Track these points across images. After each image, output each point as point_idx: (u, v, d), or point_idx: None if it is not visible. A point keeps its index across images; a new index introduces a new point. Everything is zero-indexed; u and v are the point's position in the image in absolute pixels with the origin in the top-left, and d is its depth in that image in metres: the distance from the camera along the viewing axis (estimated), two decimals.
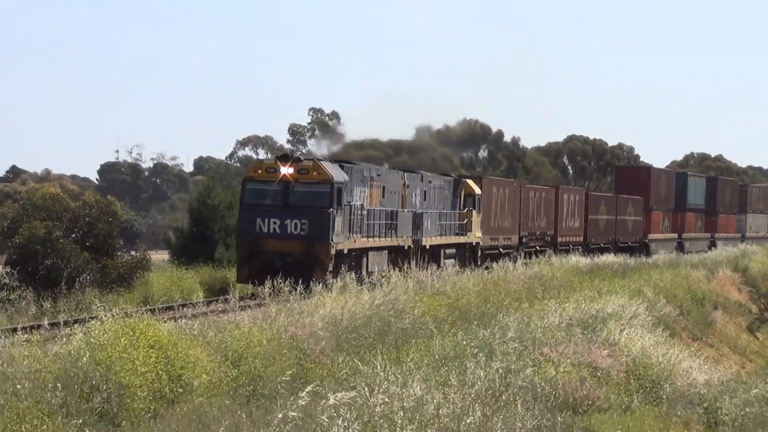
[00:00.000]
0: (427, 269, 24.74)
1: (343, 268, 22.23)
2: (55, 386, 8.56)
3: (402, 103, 64.23)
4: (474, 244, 33.05)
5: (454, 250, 31.69)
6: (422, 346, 14.00)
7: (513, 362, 11.46)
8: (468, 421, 7.88)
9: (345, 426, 7.05)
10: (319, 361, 12.34)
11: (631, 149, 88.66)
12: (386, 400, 7.90)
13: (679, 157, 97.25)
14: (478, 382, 9.74)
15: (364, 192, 25.41)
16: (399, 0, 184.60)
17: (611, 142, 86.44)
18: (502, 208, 36.39)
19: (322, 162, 23.12)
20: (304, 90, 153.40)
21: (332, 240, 21.90)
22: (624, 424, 10.69)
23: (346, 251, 23.09)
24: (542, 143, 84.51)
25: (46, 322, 15.34)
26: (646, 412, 12.89)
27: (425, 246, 28.86)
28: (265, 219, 22.14)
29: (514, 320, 16.46)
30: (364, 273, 23.88)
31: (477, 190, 33.01)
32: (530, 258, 35.15)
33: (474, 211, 32.64)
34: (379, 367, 9.48)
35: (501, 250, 35.42)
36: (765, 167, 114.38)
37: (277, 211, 22.28)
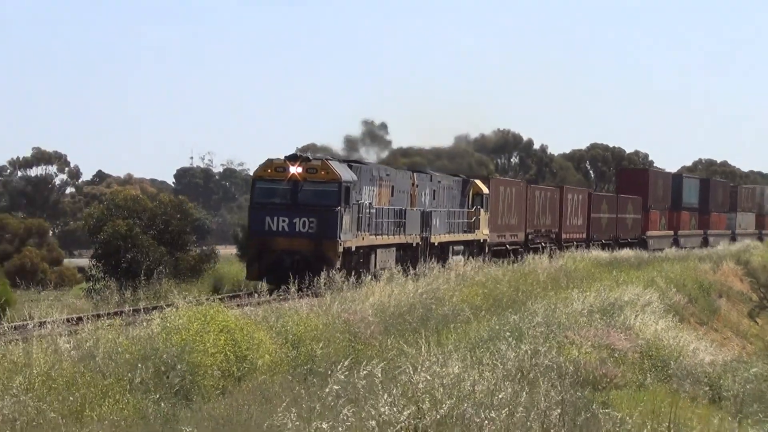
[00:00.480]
0: (435, 265, 24.86)
1: (351, 264, 22.42)
2: (135, 366, 9.68)
3: (442, 112, 69.46)
4: (481, 241, 33.56)
5: (462, 247, 32.12)
6: (460, 330, 15.00)
7: (540, 344, 12.21)
8: (500, 396, 8.45)
9: (389, 394, 7.76)
10: (369, 343, 13.26)
11: (646, 156, 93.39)
12: (428, 377, 8.56)
13: (689, 163, 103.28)
14: (509, 362, 10.49)
15: (373, 191, 25.34)
16: (439, 17, 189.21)
17: (629, 149, 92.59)
18: (509, 207, 37.21)
19: (330, 161, 22.84)
20: (356, 102, 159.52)
21: (340, 238, 21.72)
22: (639, 399, 11.31)
23: (354, 248, 22.87)
24: (567, 150, 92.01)
25: (127, 308, 16.79)
26: (658, 389, 13.39)
27: (434, 243, 29.05)
28: (274, 217, 21.90)
29: (542, 307, 17.47)
30: (372, 270, 23.73)
31: (485, 190, 33.66)
32: (535, 254, 35.22)
33: (482, 210, 33.20)
34: (423, 349, 10.36)
35: (508, 246, 36.25)
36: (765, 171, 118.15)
37: (286, 209, 22.01)
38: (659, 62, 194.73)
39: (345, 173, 22.52)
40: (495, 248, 34.66)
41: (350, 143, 36.45)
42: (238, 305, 16.12)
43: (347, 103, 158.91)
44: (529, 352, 11.29)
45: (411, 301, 16.28)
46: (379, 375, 8.41)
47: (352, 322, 13.59)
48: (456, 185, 32.83)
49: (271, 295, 19.59)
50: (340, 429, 7.19)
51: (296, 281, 18.60)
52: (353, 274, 21.09)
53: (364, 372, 8.51)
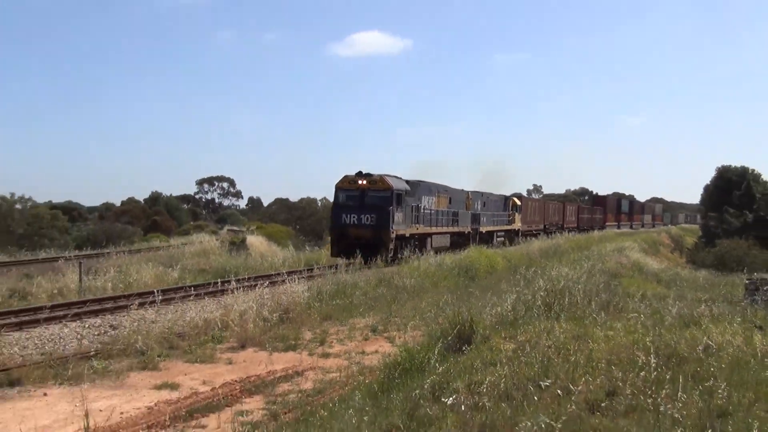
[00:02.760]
0: (487, 244, 37.97)
1: (408, 246, 28.66)
2: (454, 267, 25.33)
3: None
4: (516, 230, 48.91)
5: (503, 234, 46.11)
6: (564, 258, 30.66)
7: (594, 261, 27.15)
8: (582, 279, 20.11)
9: (542, 279, 21.78)
10: (535, 261, 29.53)
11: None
12: (555, 273, 22.35)
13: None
14: (585, 267, 24.62)
15: (432, 199, 32.89)
16: None
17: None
18: (534, 211, 56.92)
19: (386, 176, 28.24)
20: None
21: (392, 228, 27.53)
22: (631, 281, 26.17)
23: (408, 235, 29.18)
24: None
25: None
26: (638, 277, 28.74)
27: (482, 231, 40.58)
28: (348, 214, 27.74)
29: (593, 251, 34.07)
30: (428, 248, 31.45)
31: (519, 202, 50.55)
32: (549, 236, 52.89)
33: (516, 213, 49.08)
34: (554, 263, 24.93)
35: (534, 232, 54.06)
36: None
37: (356, 208, 27.74)
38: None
39: (396, 184, 28.59)
40: (525, 233, 51.29)
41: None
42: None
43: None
44: (591, 265, 25.83)
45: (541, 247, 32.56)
46: (539, 272, 22.42)
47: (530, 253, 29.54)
48: (500, 199, 47.44)
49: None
50: (525, 288, 20.42)
51: (368, 257, 26.48)
52: (417, 249, 29.19)
53: (534, 269, 22.64)
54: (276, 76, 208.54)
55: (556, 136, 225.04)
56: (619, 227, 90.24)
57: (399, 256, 27.78)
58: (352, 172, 28.68)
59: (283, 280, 19.31)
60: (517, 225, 49.45)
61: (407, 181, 30.38)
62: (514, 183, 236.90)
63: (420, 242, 31.02)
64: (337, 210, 28.61)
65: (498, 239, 44.64)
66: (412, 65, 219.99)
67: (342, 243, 27.82)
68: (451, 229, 35.62)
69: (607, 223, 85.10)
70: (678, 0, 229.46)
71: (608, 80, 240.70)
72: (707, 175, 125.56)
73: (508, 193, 52.42)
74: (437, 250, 31.69)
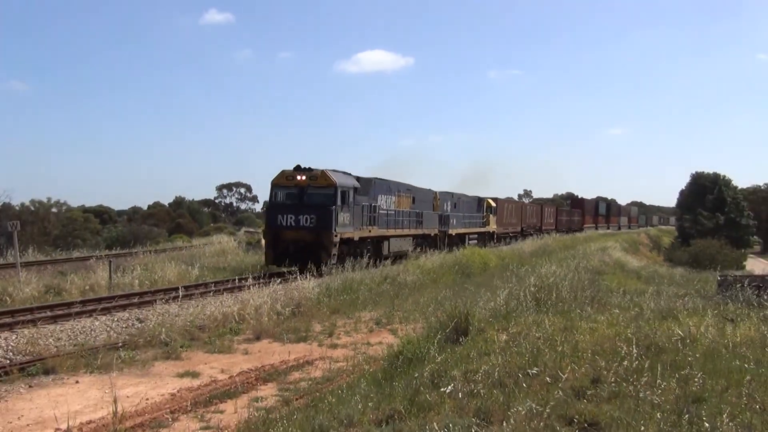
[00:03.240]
0: (456, 247, 32.64)
1: (359, 251, 24.16)
2: (453, 266, 25.14)
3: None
4: (491, 232, 44.98)
5: (476, 236, 41.29)
6: (553, 256, 30.36)
7: (579, 260, 26.90)
8: (568, 276, 20.37)
9: (533, 276, 21.77)
10: (526, 261, 29.04)
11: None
12: (544, 271, 22.38)
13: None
14: (571, 266, 24.55)
15: (391, 199, 28.13)
16: None
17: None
18: (510, 213, 51.80)
19: (328, 171, 23.36)
20: None
21: (335, 230, 22.58)
22: (613, 278, 26.09)
23: (357, 239, 24.18)
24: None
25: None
26: (620, 274, 28.57)
27: (451, 234, 35.63)
28: (285, 215, 22.70)
29: (579, 250, 33.53)
30: (385, 252, 26.98)
31: (493, 204, 45.71)
32: (526, 238, 50.14)
33: (491, 215, 44.74)
34: (544, 261, 24.84)
35: (511, 234, 50.89)
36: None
37: (294, 208, 22.77)
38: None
39: (342, 180, 23.80)
40: (501, 235, 48.02)
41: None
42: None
43: None
44: (576, 262, 25.71)
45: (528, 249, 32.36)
46: (529, 269, 22.38)
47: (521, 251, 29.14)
48: (473, 200, 42.53)
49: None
50: (516, 285, 20.26)
51: (305, 263, 21.36)
52: (367, 255, 24.54)
53: (525, 267, 22.62)
54: (289, 90, 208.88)
55: (544, 146, 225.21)
56: (596, 228, 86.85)
57: (346, 262, 22.52)
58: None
59: (295, 279, 19.15)
60: (492, 227, 45.24)
61: (358, 178, 25.58)
62: (505, 187, 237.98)
63: (375, 246, 26.55)
64: (272, 210, 23.55)
65: (470, 242, 39.19)
66: (413, 80, 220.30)
67: (278, 248, 22.84)
68: (414, 231, 30.73)
69: (585, 225, 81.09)
70: (656, 23, 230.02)
71: (592, 95, 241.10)
72: (682, 181, 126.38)
73: (500, 196, 50.60)
74: (398, 255, 27.96)
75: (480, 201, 43.86)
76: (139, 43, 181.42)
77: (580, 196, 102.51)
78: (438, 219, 34.18)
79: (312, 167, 23.39)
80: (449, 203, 36.94)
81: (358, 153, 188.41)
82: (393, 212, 28.22)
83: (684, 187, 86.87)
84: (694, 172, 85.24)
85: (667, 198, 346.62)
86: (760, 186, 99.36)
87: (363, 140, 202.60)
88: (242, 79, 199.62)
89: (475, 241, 40.32)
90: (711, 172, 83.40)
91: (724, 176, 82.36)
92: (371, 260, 24.74)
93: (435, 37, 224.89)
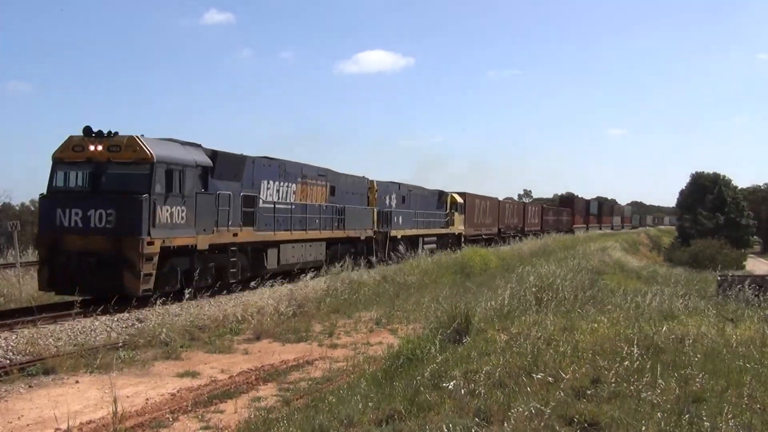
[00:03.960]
0: (403, 254, 26.72)
1: (205, 267, 16.35)
2: (452, 265, 25.14)
3: None
4: (457, 234, 36.74)
5: (435, 238, 33.07)
6: (552, 256, 30.09)
7: (579, 260, 26.82)
8: (568, 277, 20.22)
9: (533, 276, 21.76)
10: (526, 260, 28.73)
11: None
12: (543, 271, 22.39)
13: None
14: (571, 265, 24.54)
15: (287, 187, 20.56)
16: None
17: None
18: (483, 212, 43.79)
19: (141, 138, 14.95)
20: None
21: (148, 234, 14.38)
22: (613, 278, 26.07)
23: (207, 247, 16.29)
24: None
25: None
26: (620, 274, 28.54)
27: (396, 236, 28.08)
28: (66, 210, 14.45)
29: (578, 250, 33.26)
30: (271, 265, 19.25)
31: (460, 200, 37.68)
32: (505, 241, 45.21)
33: (456, 213, 36.60)
34: (543, 261, 24.80)
35: (484, 236, 43.49)
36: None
37: (82, 198, 14.69)
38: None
39: (169, 152, 15.43)
40: (472, 238, 40.17)
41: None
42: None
43: None
44: (576, 262, 25.66)
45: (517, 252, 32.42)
46: (529, 269, 22.31)
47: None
48: (432, 195, 34.45)
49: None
50: (517, 285, 19.92)
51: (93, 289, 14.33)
52: (243, 268, 17.90)
53: (526, 267, 22.55)
54: (290, 89, 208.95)
55: (544, 146, 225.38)
56: (587, 229, 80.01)
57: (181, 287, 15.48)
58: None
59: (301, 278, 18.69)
60: (458, 228, 37.01)
61: (216, 153, 16.99)
62: (504, 188, 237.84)
63: (254, 258, 18.80)
64: (48, 202, 15.07)
65: (427, 246, 31.41)
66: (413, 80, 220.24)
67: (56, 264, 14.58)
68: (329, 234, 22.86)
69: (575, 226, 74.03)
70: (657, 23, 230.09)
71: (592, 95, 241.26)
72: (683, 181, 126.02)
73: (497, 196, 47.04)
74: (295, 270, 20.37)
75: (441, 195, 35.60)
76: (140, 44, 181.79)
77: (573, 195, 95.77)
78: (375, 217, 26.83)
79: (119, 132, 14.97)
80: (393, 196, 29.34)
81: (358, 153, 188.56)
82: (289, 207, 20.56)
83: (684, 187, 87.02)
84: (694, 172, 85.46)
85: (668, 198, 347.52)
86: (760, 186, 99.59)
87: (362, 137, 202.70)
88: (243, 79, 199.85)
89: (434, 245, 32.50)
90: (711, 172, 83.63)
91: (724, 176, 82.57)
92: (238, 279, 17.66)
93: (435, 37, 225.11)
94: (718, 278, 21.47)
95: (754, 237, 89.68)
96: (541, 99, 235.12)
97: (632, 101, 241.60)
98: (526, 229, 55.17)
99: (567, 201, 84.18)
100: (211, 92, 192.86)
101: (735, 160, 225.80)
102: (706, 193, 79.49)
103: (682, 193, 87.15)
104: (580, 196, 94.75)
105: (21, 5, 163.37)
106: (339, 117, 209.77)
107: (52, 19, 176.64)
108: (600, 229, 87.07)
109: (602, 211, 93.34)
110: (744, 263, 58.65)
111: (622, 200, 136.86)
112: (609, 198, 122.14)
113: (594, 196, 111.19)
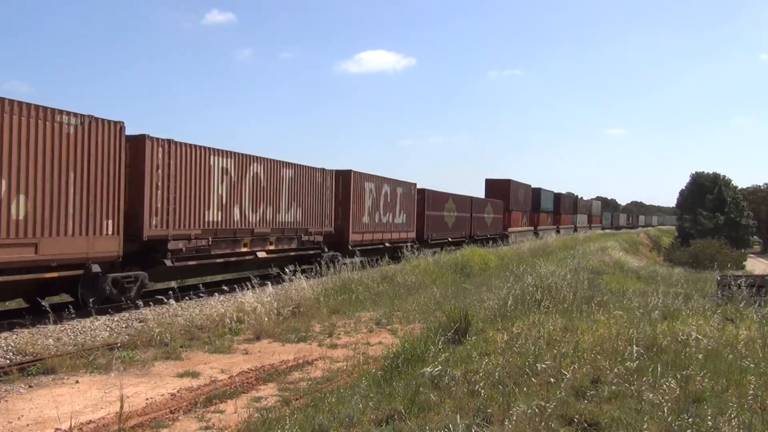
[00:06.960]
0: None
1: None
2: (453, 264, 24.88)
3: None
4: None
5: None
6: (552, 256, 29.98)
7: (579, 260, 26.79)
8: (568, 277, 20.30)
9: (530, 276, 21.71)
10: (525, 260, 28.55)
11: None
12: (543, 271, 22.41)
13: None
14: (570, 265, 24.47)
15: None
16: None
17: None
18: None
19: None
20: None
21: None
22: (613, 278, 26.01)
23: None
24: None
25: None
26: (620, 274, 28.42)
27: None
28: None
29: (578, 250, 33.12)
30: None
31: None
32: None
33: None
34: (541, 261, 24.72)
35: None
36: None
37: None
38: None
39: None
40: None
41: None
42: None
43: None
44: (576, 262, 25.61)
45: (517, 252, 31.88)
46: (528, 269, 22.33)
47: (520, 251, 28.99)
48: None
49: None
50: (515, 284, 20.46)
51: None
52: None
53: (523, 266, 22.54)
54: (290, 89, 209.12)
55: (544, 146, 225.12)
56: (536, 233, 56.84)
57: None
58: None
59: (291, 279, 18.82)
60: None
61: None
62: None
63: None
64: None
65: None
66: (415, 80, 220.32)
67: None
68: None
69: (510, 229, 49.57)
70: (657, 23, 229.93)
71: (592, 95, 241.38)
72: (683, 181, 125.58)
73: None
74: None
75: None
76: (140, 44, 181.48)
77: (510, 181, 52.04)
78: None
79: None
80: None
81: (358, 153, 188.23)
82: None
83: (684, 187, 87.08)
84: (694, 172, 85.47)
85: (667, 198, 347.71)
86: (760, 186, 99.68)
87: (363, 136, 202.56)
88: (243, 79, 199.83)
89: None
90: (711, 172, 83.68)
91: (724, 176, 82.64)
92: None
93: (436, 37, 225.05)
94: (718, 278, 21.46)
95: (754, 237, 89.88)
96: (542, 99, 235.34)
97: (632, 101, 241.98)
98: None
99: (497, 188, 51.00)
100: (211, 92, 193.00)
101: (735, 160, 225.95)
102: (706, 193, 79.56)
103: (682, 193, 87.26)
104: (521, 181, 57.05)
105: (21, 5, 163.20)
106: (339, 117, 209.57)
107: (52, 19, 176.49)
108: (558, 231, 65.58)
109: (560, 206, 69.95)
110: (744, 263, 58.65)
111: (622, 200, 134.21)
112: (608, 198, 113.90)
113: (594, 197, 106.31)
